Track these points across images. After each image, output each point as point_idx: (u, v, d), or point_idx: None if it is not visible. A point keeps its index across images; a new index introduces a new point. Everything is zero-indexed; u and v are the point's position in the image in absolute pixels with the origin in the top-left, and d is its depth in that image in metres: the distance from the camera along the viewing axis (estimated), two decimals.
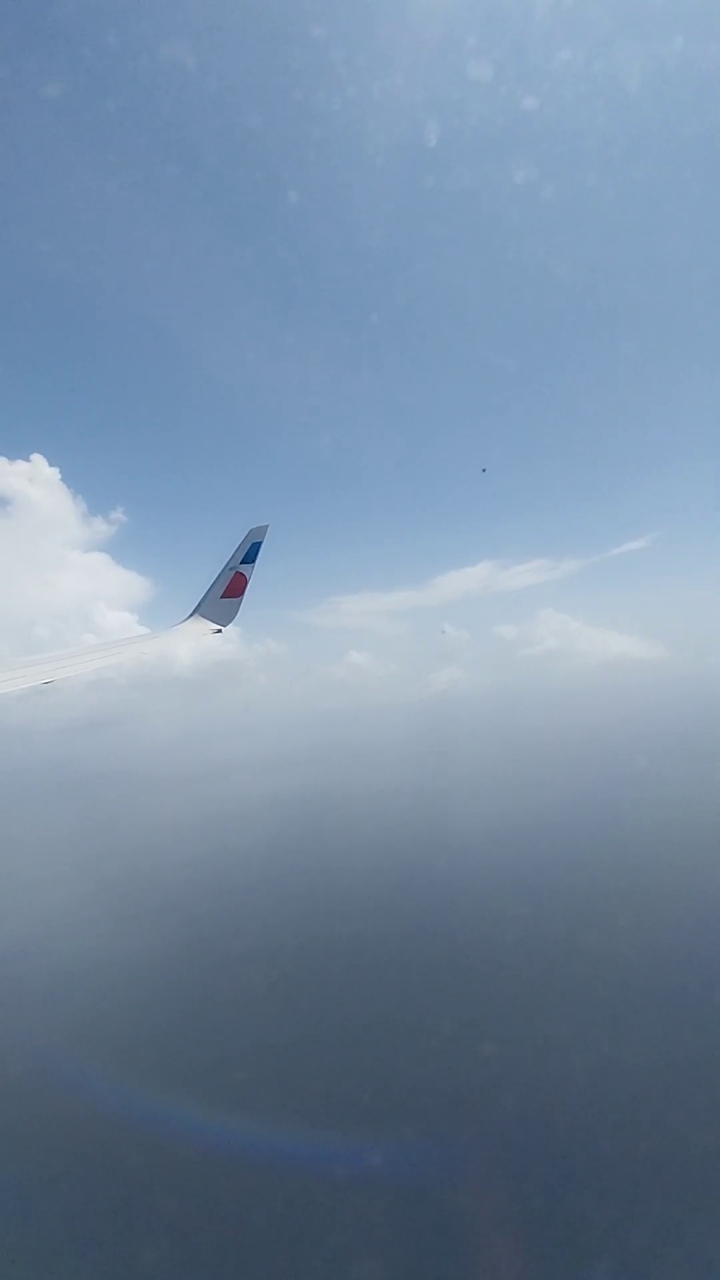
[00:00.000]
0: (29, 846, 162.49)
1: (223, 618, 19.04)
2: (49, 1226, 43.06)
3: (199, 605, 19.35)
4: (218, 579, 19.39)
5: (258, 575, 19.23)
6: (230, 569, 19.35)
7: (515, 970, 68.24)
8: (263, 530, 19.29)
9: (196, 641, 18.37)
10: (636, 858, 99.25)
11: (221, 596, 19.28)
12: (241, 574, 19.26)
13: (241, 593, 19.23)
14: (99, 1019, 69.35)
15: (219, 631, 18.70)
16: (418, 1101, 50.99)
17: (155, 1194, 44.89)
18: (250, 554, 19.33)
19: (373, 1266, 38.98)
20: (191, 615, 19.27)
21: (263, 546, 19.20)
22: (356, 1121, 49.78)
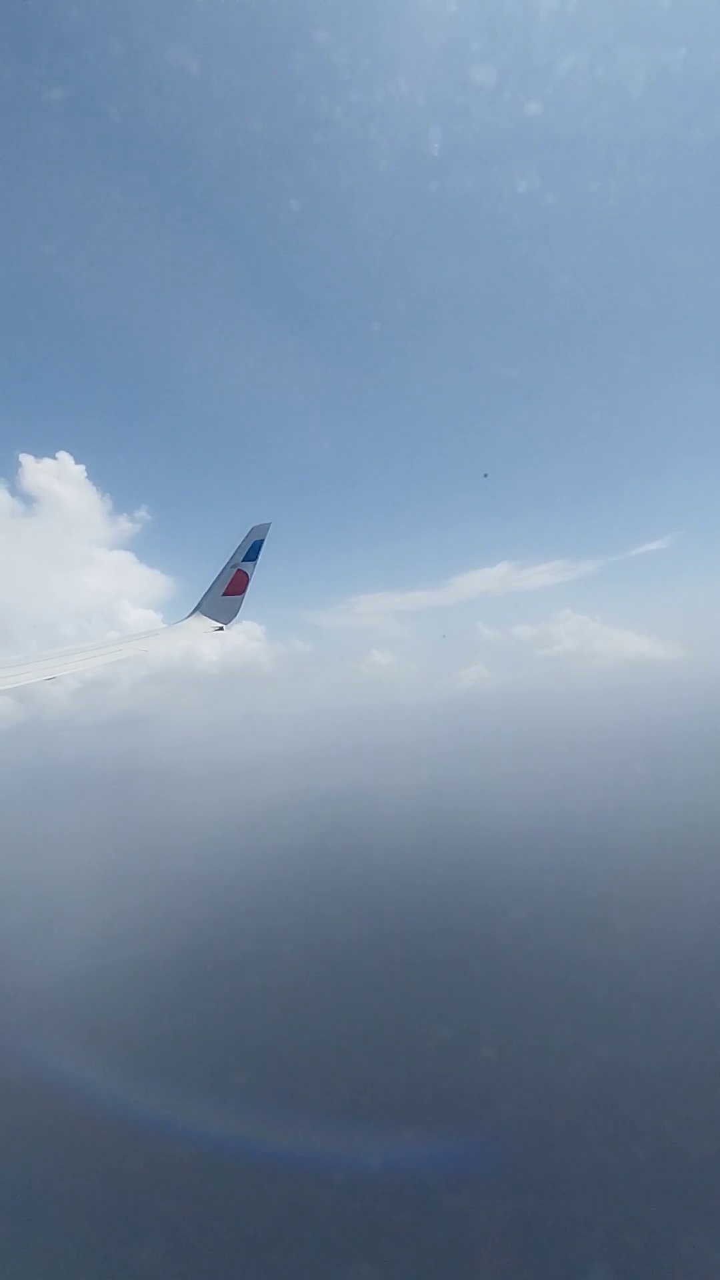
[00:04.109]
0: (43, 844, 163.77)
1: (224, 616, 19.01)
2: (48, 1227, 43.03)
3: (200, 603, 19.33)
4: (219, 577, 19.37)
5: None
6: (232, 567, 19.33)
7: (515, 974, 68.16)
8: (264, 528, 19.26)
9: (197, 639, 18.36)
10: (640, 862, 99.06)
11: (223, 594, 19.24)
12: (243, 572, 19.23)
13: (243, 590, 19.20)
14: (100, 1021, 69.25)
15: (220, 629, 18.66)
16: (416, 1104, 50.84)
17: (154, 1195, 44.84)
18: (252, 552, 19.31)
19: (370, 1268, 38.87)
20: (193, 613, 19.24)
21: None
22: (356, 1124, 49.65)
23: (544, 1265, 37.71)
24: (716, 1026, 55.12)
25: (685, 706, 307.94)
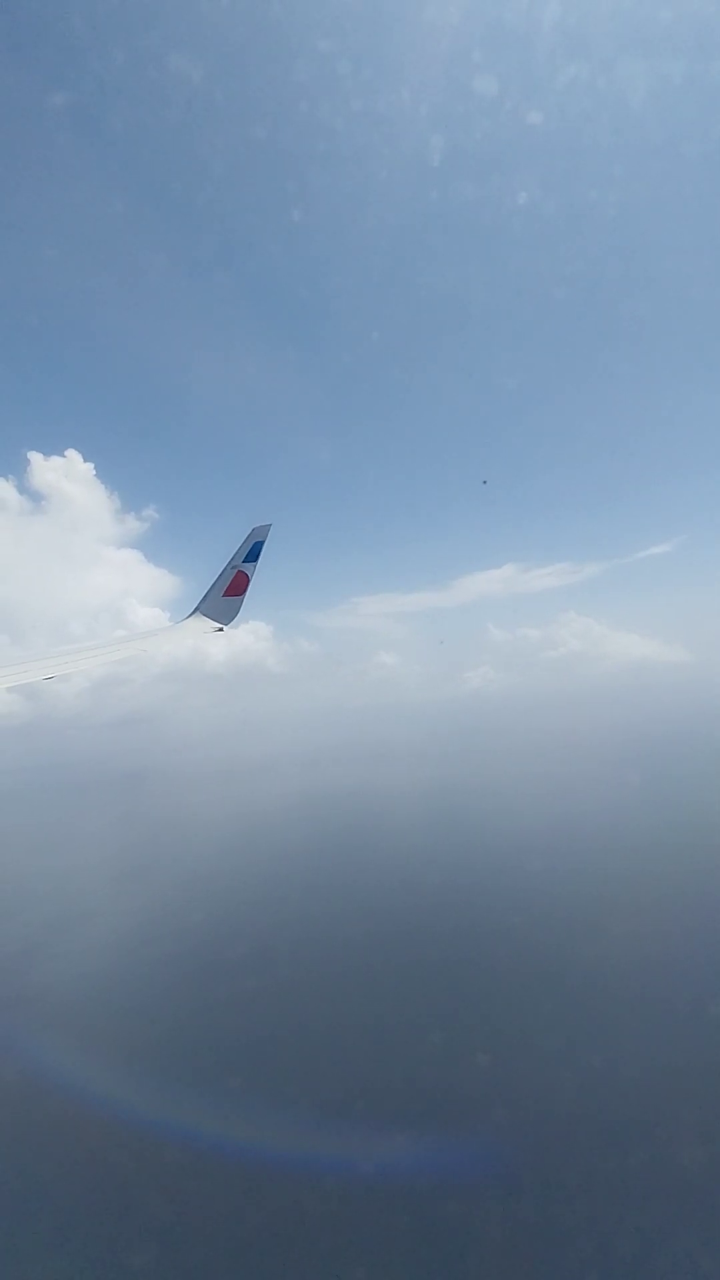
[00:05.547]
0: (49, 842, 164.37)
1: (224, 616, 19.06)
2: (42, 1228, 42.96)
3: (200, 603, 19.40)
4: (219, 577, 19.44)
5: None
6: (232, 567, 19.38)
7: (512, 978, 68.08)
8: (265, 529, 19.31)
9: (197, 640, 18.44)
10: (642, 866, 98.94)
11: (223, 595, 19.31)
12: (243, 572, 19.28)
13: (243, 591, 19.26)
14: (100, 1021, 69.27)
15: (220, 630, 18.71)
16: (410, 1110, 50.71)
17: (148, 1198, 44.69)
18: (253, 552, 19.36)
19: (364, 1272, 38.74)
20: (193, 613, 19.30)
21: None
22: (349, 1129, 49.54)
23: (537, 1271, 37.55)
24: (710, 1033, 55.01)
25: (689, 709, 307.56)
